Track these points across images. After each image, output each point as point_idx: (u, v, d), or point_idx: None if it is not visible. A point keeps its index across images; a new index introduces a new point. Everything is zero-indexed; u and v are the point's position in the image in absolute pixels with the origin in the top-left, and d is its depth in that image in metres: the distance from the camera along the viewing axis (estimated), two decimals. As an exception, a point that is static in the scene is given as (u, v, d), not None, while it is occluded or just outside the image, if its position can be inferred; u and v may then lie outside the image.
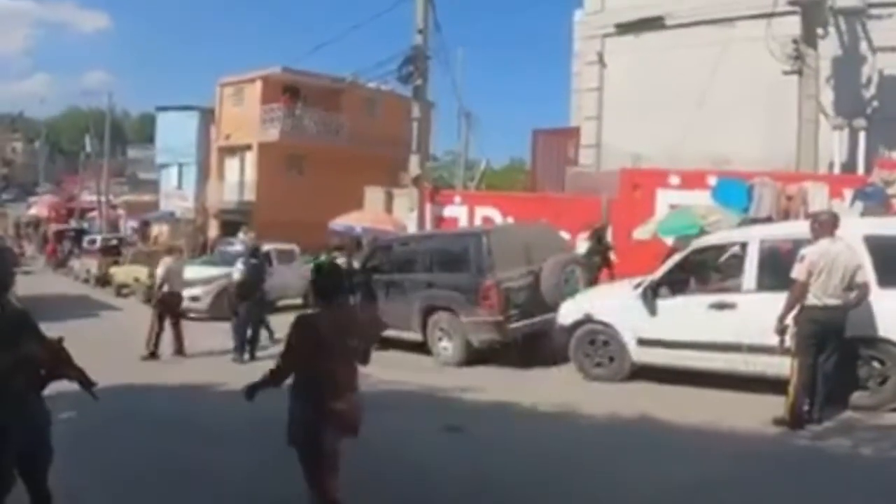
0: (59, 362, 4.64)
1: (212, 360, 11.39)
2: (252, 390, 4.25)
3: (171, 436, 6.76)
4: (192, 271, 15.46)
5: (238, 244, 18.42)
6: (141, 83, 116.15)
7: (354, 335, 4.35)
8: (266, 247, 18.66)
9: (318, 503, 4.25)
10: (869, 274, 6.59)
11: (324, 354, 4.11)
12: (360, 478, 5.58)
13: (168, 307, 11.54)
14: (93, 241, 28.65)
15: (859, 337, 6.61)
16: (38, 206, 49.23)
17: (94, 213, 39.89)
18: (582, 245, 12.28)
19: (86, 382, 4.80)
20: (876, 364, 6.71)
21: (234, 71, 32.85)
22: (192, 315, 15.05)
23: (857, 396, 6.72)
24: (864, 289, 6.42)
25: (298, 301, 17.13)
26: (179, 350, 11.50)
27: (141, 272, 17.80)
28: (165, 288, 11.58)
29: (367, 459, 6.07)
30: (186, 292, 14.00)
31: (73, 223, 40.01)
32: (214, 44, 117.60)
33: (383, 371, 9.86)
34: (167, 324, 11.50)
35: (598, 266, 10.94)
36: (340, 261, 11.64)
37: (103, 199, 38.26)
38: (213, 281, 16.30)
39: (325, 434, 4.11)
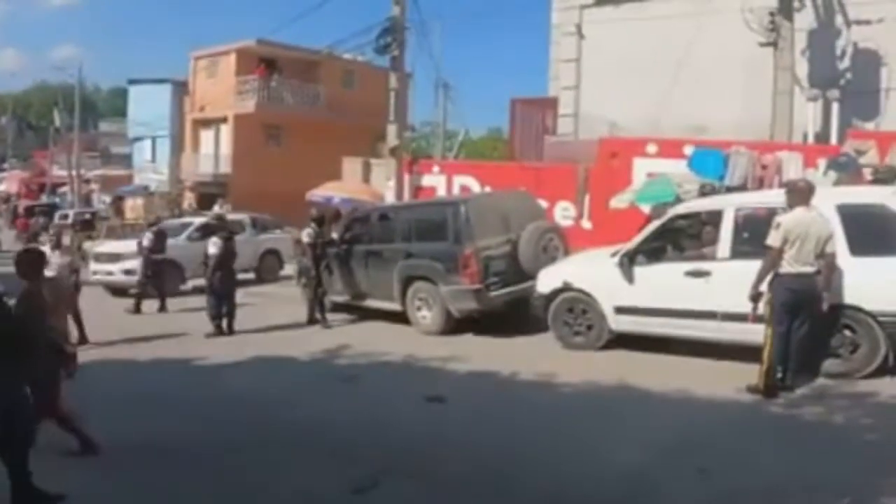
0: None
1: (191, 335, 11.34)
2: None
3: (150, 412, 6.76)
4: (118, 246, 15.72)
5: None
6: (112, 57, 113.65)
7: (63, 297, 6.34)
8: (202, 218, 18.16)
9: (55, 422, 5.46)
10: (841, 242, 6.69)
11: (51, 315, 5.38)
12: (342, 448, 5.66)
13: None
14: (65, 216, 28.26)
15: (831, 305, 6.67)
16: (8, 182, 48.40)
17: (66, 188, 39.27)
18: None
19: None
20: (847, 332, 6.78)
21: (207, 44, 32.44)
22: (132, 290, 14.72)
23: (829, 364, 6.80)
24: (831, 258, 6.52)
25: (251, 276, 17.04)
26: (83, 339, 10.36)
27: (118, 246, 17.33)
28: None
29: (348, 430, 6.14)
30: (118, 266, 14.98)
31: (44, 198, 39.40)
32: (187, 16, 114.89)
33: (362, 341, 9.97)
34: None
35: None
36: (304, 233, 11.56)
37: (75, 173, 37.63)
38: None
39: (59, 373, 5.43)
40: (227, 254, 11.33)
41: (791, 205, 6.53)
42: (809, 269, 6.35)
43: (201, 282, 12.37)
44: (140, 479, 5.17)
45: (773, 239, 6.36)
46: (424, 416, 6.50)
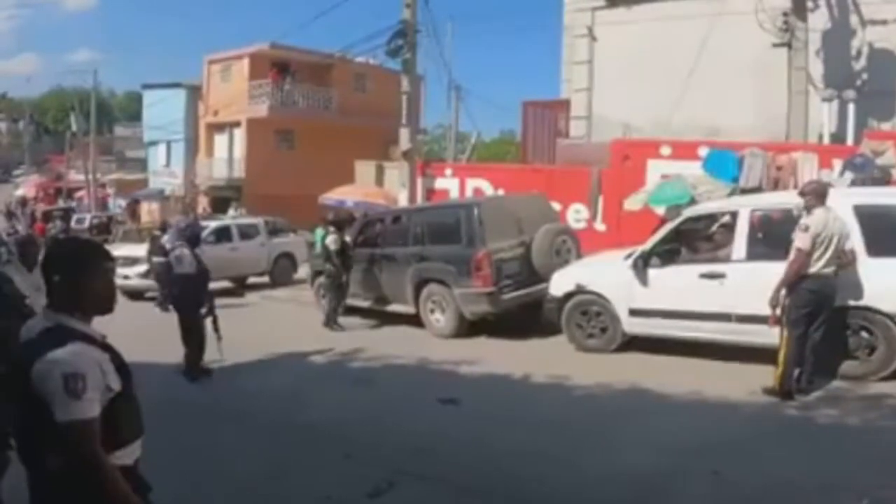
0: None
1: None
2: None
3: (161, 414, 6.77)
4: (134, 249, 15.79)
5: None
6: (126, 61, 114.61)
7: None
8: (226, 221, 18.43)
9: None
10: (858, 243, 6.64)
11: None
12: (357, 450, 5.66)
13: None
14: (81, 221, 28.53)
15: (848, 306, 6.65)
16: (26, 187, 48.90)
17: (82, 193, 39.62)
18: None
19: None
20: (864, 334, 6.72)
21: (221, 48, 32.64)
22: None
23: (846, 366, 6.75)
24: (850, 256, 6.47)
25: (265, 279, 17.18)
26: None
27: (134, 249, 17.46)
28: None
29: (363, 432, 6.15)
30: (134, 270, 14.85)
31: (60, 203, 39.75)
32: (200, 21, 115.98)
33: (376, 344, 9.98)
34: None
35: None
36: (330, 239, 11.52)
37: (91, 177, 37.94)
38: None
39: None
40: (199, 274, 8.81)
41: (809, 207, 6.43)
42: (830, 271, 6.31)
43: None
44: (151, 482, 5.19)
45: (803, 242, 6.21)
46: (438, 419, 6.49)
